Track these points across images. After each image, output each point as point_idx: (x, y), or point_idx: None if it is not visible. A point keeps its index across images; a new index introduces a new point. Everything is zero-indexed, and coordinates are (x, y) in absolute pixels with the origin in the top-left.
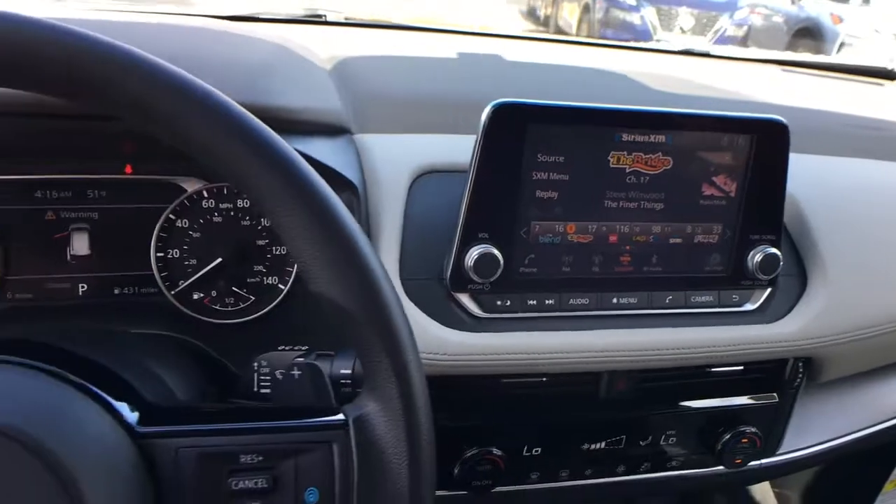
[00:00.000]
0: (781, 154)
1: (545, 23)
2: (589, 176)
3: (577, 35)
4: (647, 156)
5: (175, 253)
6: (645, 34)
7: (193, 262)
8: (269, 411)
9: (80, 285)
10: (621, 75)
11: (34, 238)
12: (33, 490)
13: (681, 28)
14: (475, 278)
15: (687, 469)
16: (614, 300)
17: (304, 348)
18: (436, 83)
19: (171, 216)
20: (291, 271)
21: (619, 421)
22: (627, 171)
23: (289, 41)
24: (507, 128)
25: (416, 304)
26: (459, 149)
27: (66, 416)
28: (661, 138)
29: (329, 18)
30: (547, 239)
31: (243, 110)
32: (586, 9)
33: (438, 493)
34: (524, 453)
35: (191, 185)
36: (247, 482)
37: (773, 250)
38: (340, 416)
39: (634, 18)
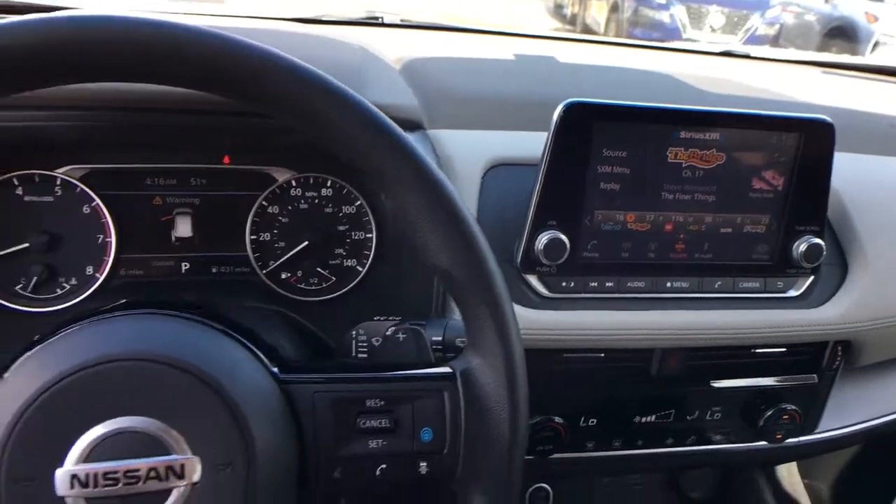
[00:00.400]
0: (827, 151)
1: (572, 21)
2: (648, 169)
3: (605, 33)
4: (702, 152)
5: (266, 236)
6: (674, 32)
7: (282, 244)
8: (387, 366)
9: (183, 264)
10: (671, 76)
11: (144, 221)
12: (207, 415)
13: (711, 27)
14: (544, 261)
15: (730, 443)
16: (668, 284)
17: (396, 318)
18: (499, 83)
19: (263, 203)
20: (369, 255)
21: (669, 396)
22: (684, 165)
23: (357, 42)
24: (576, 125)
25: None
26: (525, 144)
27: (230, 359)
28: (716, 136)
29: (386, 20)
30: (608, 226)
31: (376, 108)
32: (615, 7)
33: None
34: (581, 423)
35: (281, 175)
36: (372, 422)
37: (817, 240)
38: (448, 369)
39: (664, 17)
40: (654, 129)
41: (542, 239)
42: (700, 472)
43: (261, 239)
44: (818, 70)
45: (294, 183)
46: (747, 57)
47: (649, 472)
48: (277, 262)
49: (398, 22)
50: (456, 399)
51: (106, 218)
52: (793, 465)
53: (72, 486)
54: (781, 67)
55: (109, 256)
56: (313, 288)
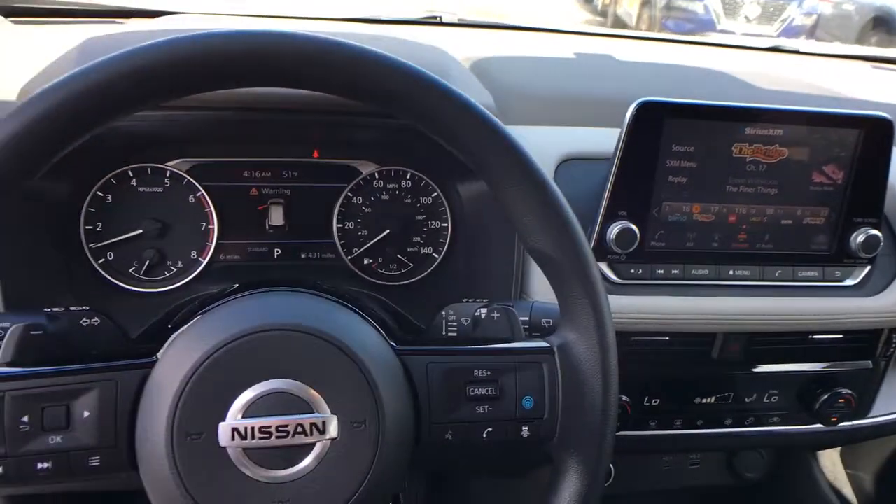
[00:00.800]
0: (885, 147)
1: (603, 13)
2: (714, 164)
3: (637, 25)
4: (766, 147)
5: (351, 225)
6: (708, 24)
7: (365, 232)
8: (487, 340)
9: (276, 250)
10: (726, 73)
11: (241, 210)
12: (344, 378)
13: (746, 17)
14: (615, 249)
15: (786, 426)
16: (730, 272)
17: (484, 300)
18: (565, 81)
19: (349, 194)
20: (444, 243)
21: (729, 378)
22: (748, 160)
23: (424, 42)
24: (648, 122)
25: None
26: (594, 139)
27: (360, 331)
28: (779, 132)
29: (444, 20)
30: (675, 217)
31: (485, 110)
32: None
33: None
34: (645, 403)
35: (365, 168)
36: (479, 390)
37: (875, 232)
38: (546, 344)
39: (697, 7)
40: (722, 125)
41: (614, 229)
42: (753, 453)
43: (346, 227)
44: (868, 65)
45: (377, 175)
46: (797, 52)
47: (707, 451)
48: (361, 249)
49: (456, 21)
50: (554, 370)
51: (209, 207)
52: (836, 455)
53: (233, 438)
54: (831, 62)
55: (212, 242)
56: (393, 273)
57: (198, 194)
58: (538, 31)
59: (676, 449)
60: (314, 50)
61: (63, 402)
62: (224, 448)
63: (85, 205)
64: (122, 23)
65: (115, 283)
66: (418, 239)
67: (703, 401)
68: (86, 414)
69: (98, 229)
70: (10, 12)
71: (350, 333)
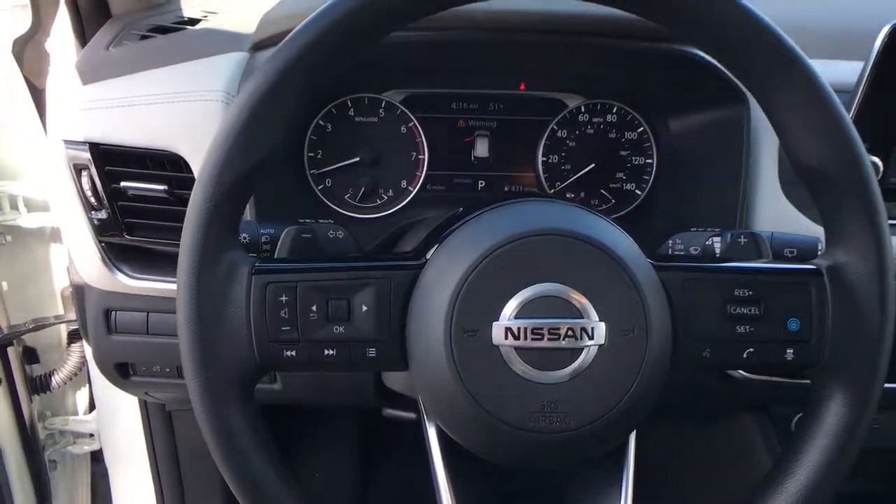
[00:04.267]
0: None
1: None
2: None
3: None
4: None
5: (554, 159)
6: None
7: (568, 167)
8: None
9: (480, 182)
10: None
11: (449, 141)
12: (614, 285)
13: None
14: None
15: None
16: None
17: (715, 229)
18: (801, 13)
19: (554, 127)
20: (648, 179)
21: None
22: None
23: None
24: None
25: (793, 203)
26: (833, 70)
27: (625, 241)
28: None
29: None
30: None
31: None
32: None
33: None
34: None
35: (571, 101)
36: (741, 309)
37: None
38: (812, 266)
39: None
40: None
41: None
42: None
43: (550, 161)
44: None
45: (583, 109)
46: None
47: None
48: (564, 184)
49: None
50: (823, 294)
51: (420, 137)
52: None
53: (506, 337)
54: None
55: (421, 172)
56: (595, 208)
57: (410, 125)
58: None
59: None
60: None
61: (345, 296)
62: (497, 346)
63: (308, 133)
64: None
65: (332, 208)
66: (621, 175)
67: None
68: (364, 308)
69: (319, 156)
70: None
71: (617, 242)
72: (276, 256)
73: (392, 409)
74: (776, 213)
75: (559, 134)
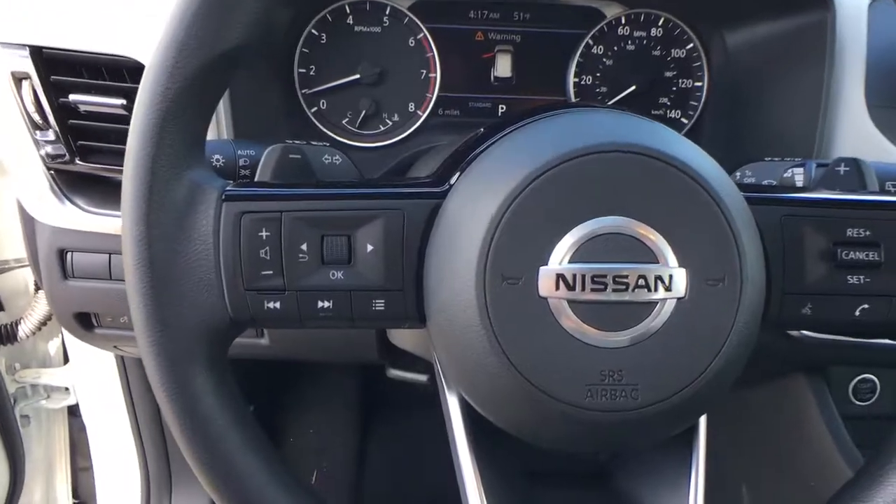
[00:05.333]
0: None
1: None
2: None
3: None
4: None
5: (588, 79)
6: None
7: (604, 89)
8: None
9: (500, 106)
10: None
11: (464, 57)
12: (700, 222)
13: None
14: None
15: None
16: None
17: (794, 159)
18: None
19: (589, 42)
20: (697, 106)
21: None
22: None
23: None
24: None
25: (881, 130)
26: None
27: (709, 162)
28: None
29: None
30: None
31: None
32: None
33: None
34: None
35: (610, 11)
36: (855, 254)
37: None
38: None
39: None
40: None
41: None
42: None
43: (583, 82)
44: None
45: (623, 20)
46: None
47: None
48: None
49: None
50: None
51: (432, 51)
52: None
53: (556, 288)
54: None
55: (433, 94)
56: None
57: (419, 36)
58: None
59: None
60: None
61: (344, 232)
62: (545, 299)
63: (300, 44)
64: None
65: (328, 135)
66: (665, 100)
67: None
68: (369, 248)
69: (311, 73)
70: None
71: (703, 164)
72: (256, 180)
73: (398, 370)
74: (862, 141)
75: (594, 50)
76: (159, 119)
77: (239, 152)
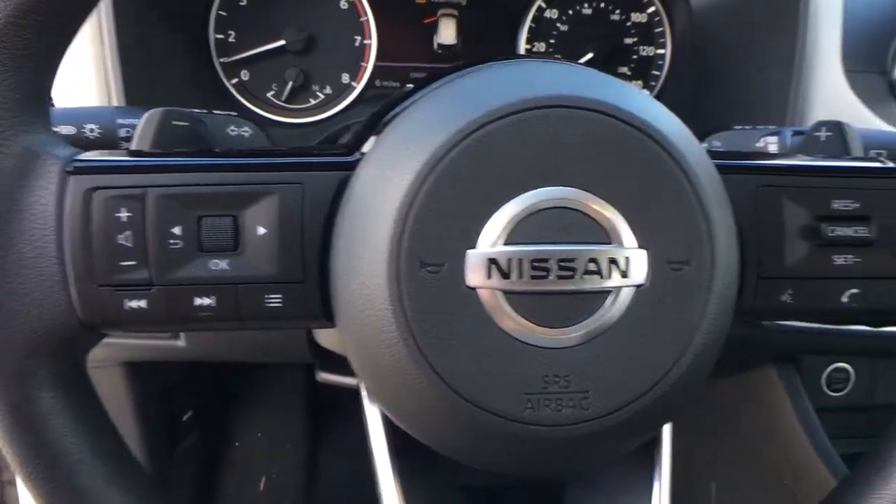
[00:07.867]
0: None
1: None
2: None
3: None
4: None
5: (542, 46)
6: None
7: (559, 57)
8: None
9: None
10: None
11: (403, 22)
12: (661, 193)
13: None
14: None
15: None
16: None
17: (770, 126)
18: None
19: (541, 5)
20: (659, 76)
21: None
22: None
23: None
24: None
25: (859, 96)
26: None
27: (672, 122)
28: None
29: None
30: None
31: None
32: None
33: None
34: None
35: None
36: (842, 230)
37: None
38: None
39: None
40: None
41: None
42: None
43: (534, 50)
44: None
45: None
46: None
47: None
48: None
49: None
50: None
51: (367, 15)
52: None
53: (488, 276)
54: None
55: (368, 63)
56: None
57: None
58: None
59: None
60: None
61: (229, 212)
62: (473, 290)
63: (214, 6)
64: None
65: (251, 109)
66: (625, 70)
67: None
68: (260, 231)
69: (231, 40)
70: None
71: (666, 124)
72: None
73: (326, 373)
74: (839, 109)
75: (547, 14)
76: None
77: (119, 121)
